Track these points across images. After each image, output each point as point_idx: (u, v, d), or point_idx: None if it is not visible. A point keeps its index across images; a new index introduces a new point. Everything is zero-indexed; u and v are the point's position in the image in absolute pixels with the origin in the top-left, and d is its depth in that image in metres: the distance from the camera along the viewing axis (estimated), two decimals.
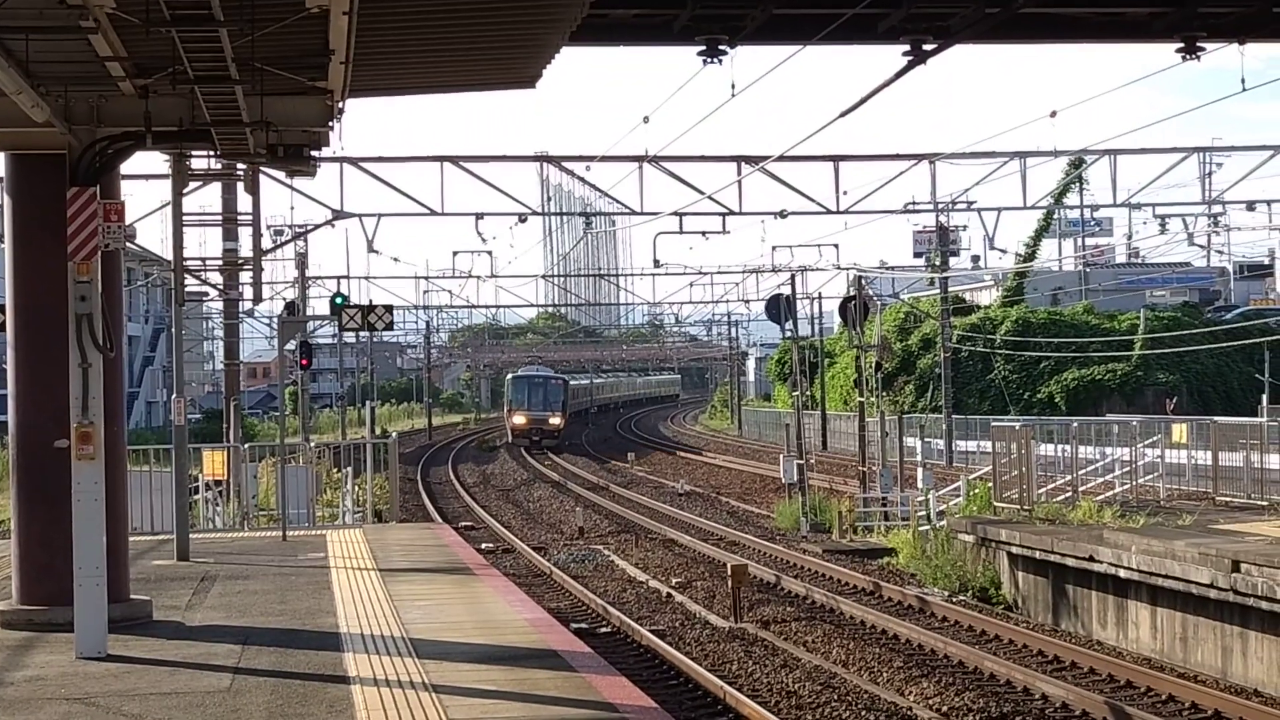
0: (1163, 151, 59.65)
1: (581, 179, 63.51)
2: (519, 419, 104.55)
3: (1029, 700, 21.20)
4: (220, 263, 45.13)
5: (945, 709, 20.59)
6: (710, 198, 53.10)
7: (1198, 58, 23.11)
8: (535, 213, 59.99)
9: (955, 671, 23.16)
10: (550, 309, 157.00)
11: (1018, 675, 22.23)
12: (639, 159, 52.94)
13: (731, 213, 55.56)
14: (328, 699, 14.85)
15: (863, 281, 57.85)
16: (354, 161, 52.19)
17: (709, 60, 21.91)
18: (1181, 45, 22.92)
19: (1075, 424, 46.82)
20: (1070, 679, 22.56)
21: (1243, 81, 29.09)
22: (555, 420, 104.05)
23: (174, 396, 29.38)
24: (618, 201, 61.29)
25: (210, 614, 20.91)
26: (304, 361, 45.85)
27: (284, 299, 74.68)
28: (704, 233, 58.95)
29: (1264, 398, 74.45)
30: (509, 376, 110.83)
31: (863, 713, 20.15)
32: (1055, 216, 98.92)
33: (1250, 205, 67.22)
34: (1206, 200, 66.02)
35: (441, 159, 53.22)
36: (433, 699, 14.71)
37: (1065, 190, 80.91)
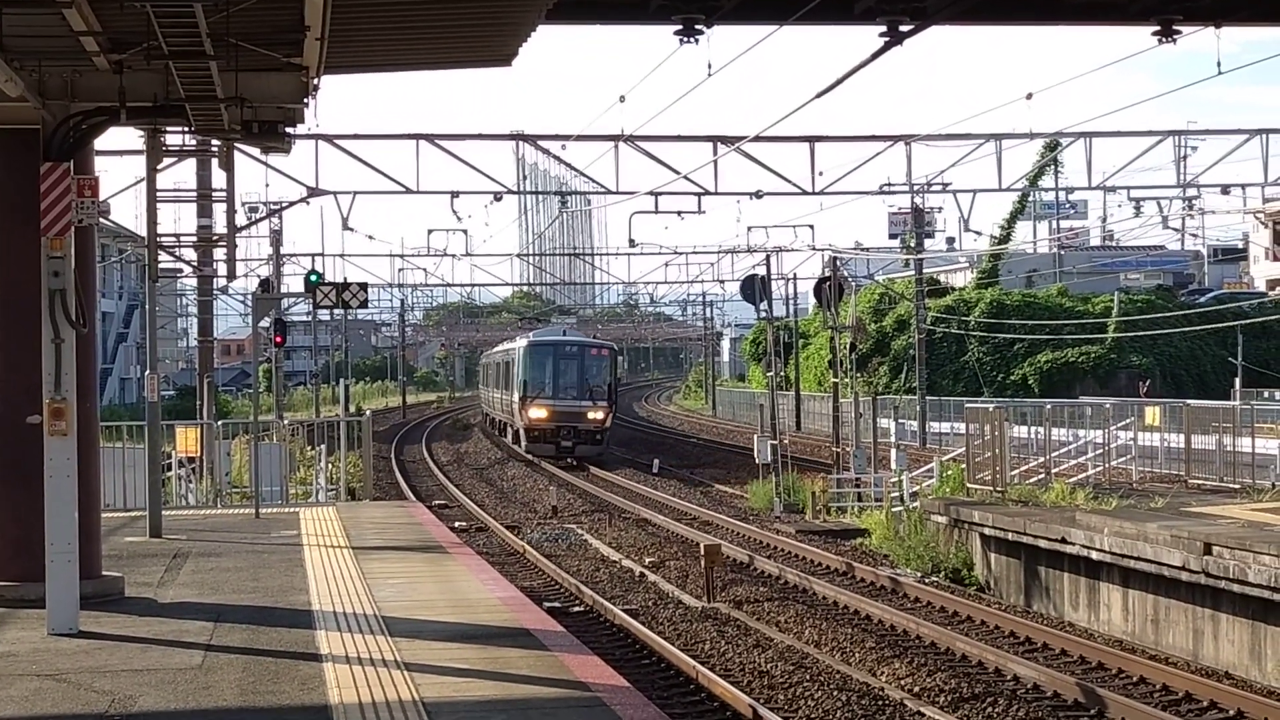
0: (1138, 135, 59.75)
1: (557, 158, 63.62)
2: (538, 411, 66.70)
3: (1001, 681, 21.24)
4: (194, 239, 44.98)
5: (917, 689, 20.62)
6: (686, 177, 53.12)
7: (1174, 40, 23.11)
8: (511, 191, 60.08)
9: (927, 652, 23.20)
10: (525, 288, 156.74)
11: (989, 656, 22.27)
12: (615, 138, 52.89)
13: (707, 193, 55.58)
14: (300, 676, 14.83)
15: (838, 262, 57.89)
16: (329, 139, 52.09)
17: (685, 40, 21.86)
18: (1158, 28, 22.90)
19: (1048, 406, 46.89)
20: (1042, 660, 22.60)
21: (1219, 65, 29.13)
22: (598, 414, 66.89)
23: (147, 373, 29.31)
24: (593, 181, 61.27)
25: (182, 591, 20.88)
26: (278, 339, 45.74)
27: (258, 276, 74.69)
28: (679, 212, 58.96)
29: (1237, 381, 74.78)
30: (522, 345, 70.52)
31: (835, 693, 20.17)
32: (1030, 199, 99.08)
33: (1224, 189, 67.41)
34: (1181, 184, 66.16)
35: (417, 137, 53.16)
36: (404, 677, 14.70)
37: (1040, 173, 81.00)
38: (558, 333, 75.23)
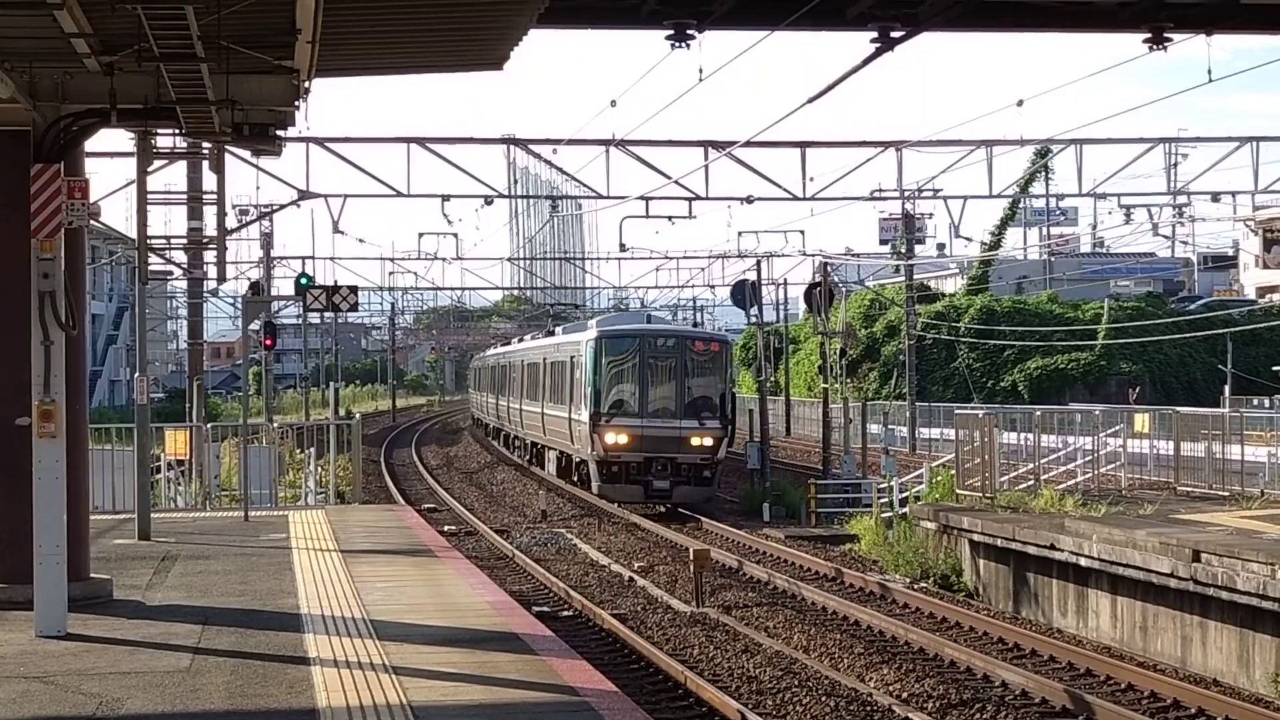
0: (1128, 142, 59.81)
1: (548, 162, 63.43)
2: (616, 436, 46.51)
3: (989, 687, 21.25)
4: (185, 242, 44.94)
5: (905, 695, 20.62)
6: (677, 182, 53.09)
7: (1165, 48, 23.14)
8: (502, 195, 59.96)
9: (916, 658, 23.20)
10: (516, 291, 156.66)
11: (978, 662, 22.28)
12: (606, 143, 52.90)
13: (698, 198, 55.53)
14: (288, 680, 14.82)
15: (828, 268, 57.91)
16: (320, 142, 52.06)
17: (677, 44, 21.88)
18: (1149, 35, 22.94)
19: (1038, 412, 46.93)
20: (1030, 667, 22.61)
21: (1209, 73, 29.15)
22: (706, 440, 46.40)
23: (137, 375, 29.28)
24: (584, 185, 61.31)
25: (171, 594, 20.86)
26: (268, 342, 45.54)
27: (249, 279, 74.55)
28: (670, 217, 58.88)
29: (1226, 388, 74.82)
30: (588, 337, 48.90)
31: (823, 698, 20.17)
32: (1021, 205, 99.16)
33: (1215, 196, 67.40)
34: (1171, 191, 66.14)
35: (408, 140, 53.12)
36: (393, 680, 14.70)
37: (1031, 179, 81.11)
38: (638, 319, 54.64)
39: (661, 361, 46.21)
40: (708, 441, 45.33)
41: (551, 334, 63.24)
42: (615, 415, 45.64)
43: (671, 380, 45.95)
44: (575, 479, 51.38)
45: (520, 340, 76.01)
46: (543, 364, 57.52)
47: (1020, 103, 44.01)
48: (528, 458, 63.80)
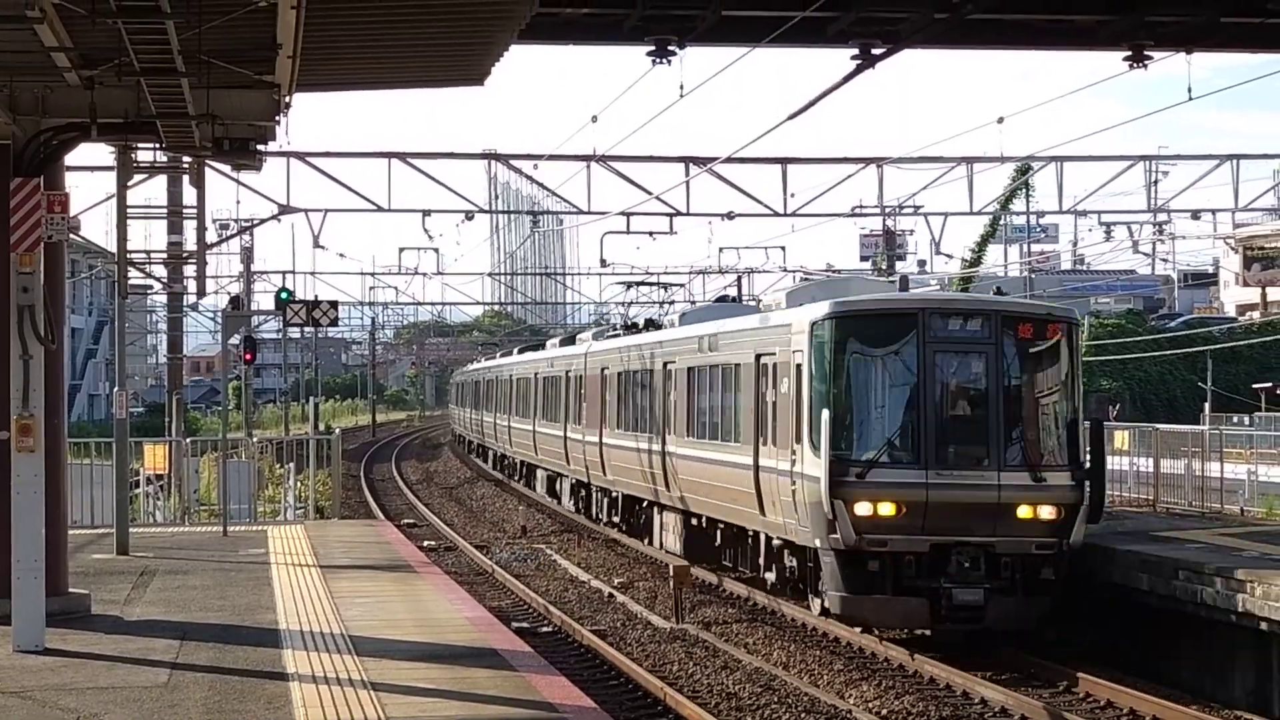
0: (1109, 159, 59.95)
1: (529, 177, 63.51)
2: (877, 504, 24.42)
3: (968, 704, 21.24)
4: (165, 256, 44.90)
5: (885, 712, 20.61)
6: (658, 198, 53.11)
7: (1145, 66, 23.22)
8: (483, 210, 60.02)
9: (895, 675, 23.19)
10: (496, 307, 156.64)
11: (957, 679, 22.27)
12: (587, 158, 52.90)
13: (679, 213, 55.52)
14: (266, 695, 14.79)
15: (809, 281, 57.91)
16: (301, 156, 52.00)
17: (658, 60, 21.95)
18: (1129, 53, 23.04)
19: None
20: (1009, 684, 22.61)
21: (1189, 90, 29.23)
22: (1047, 508, 24.57)
23: (116, 390, 29.25)
24: (565, 200, 61.26)
25: (149, 609, 20.82)
26: (248, 356, 45.61)
27: (229, 293, 74.41)
28: (651, 233, 58.89)
29: (1206, 406, 74.94)
30: (809, 318, 25.76)
31: (802, 715, 20.16)
32: (1001, 222, 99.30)
33: (1195, 214, 67.54)
34: (1152, 208, 66.34)
35: (389, 155, 53.09)
36: (371, 697, 14.67)
37: (1012, 196, 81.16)
38: (889, 290, 35.18)
39: (959, 360, 25.52)
40: (1048, 511, 24.56)
41: (570, 341, 54.01)
42: (873, 466, 24.57)
43: (979, 396, 25.30)
44: (670, 543, 35.71)
45: (516, 352, 69.80)
46: (601, 376, 42.34)
47: (1001, 120, 44.14)
48: (579, 508, 47.70)
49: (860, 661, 24.29)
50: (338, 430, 46.13)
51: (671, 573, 29.09)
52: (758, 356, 28.49)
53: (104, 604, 20.86)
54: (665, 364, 35.69)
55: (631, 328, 44.57)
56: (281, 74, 17.67)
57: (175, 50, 15.24)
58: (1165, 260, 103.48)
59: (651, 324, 42.61)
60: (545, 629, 27.33)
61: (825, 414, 24.42)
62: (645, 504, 38.40)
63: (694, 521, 33.59)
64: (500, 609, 28.44)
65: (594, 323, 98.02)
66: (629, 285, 56.25)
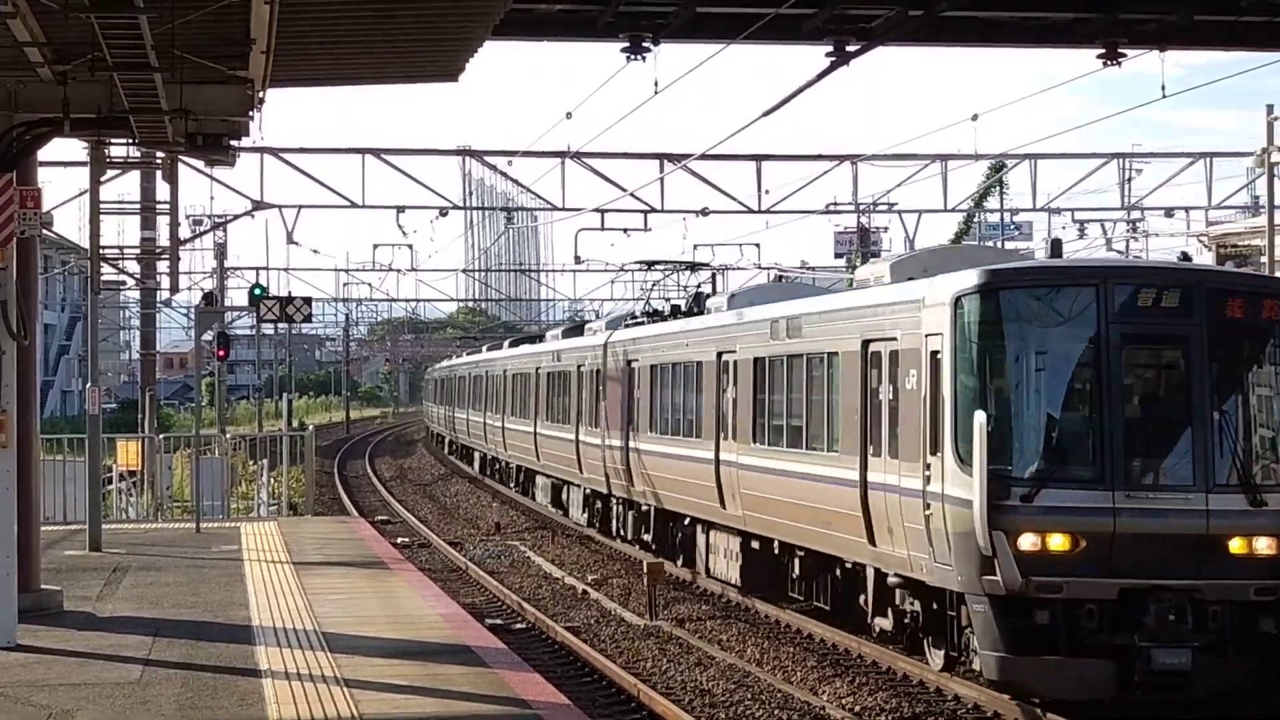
0: (1083, 157, 60.24)
1: (504, 174, 63.55)
2: (1046, 536, 18.79)
3: (941, 701, 21.25)
4: (138, 252, 44.77)
5: (858, 709, 20.62)
6: (632, 195, 53.16)
7: (1119, 64, 23.27)
8: (457, 206, 59.97)
9: (869, 672, 23.19)
10: (471, 304, 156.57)
11: (930, 676, 22.28)
12: (561, 155, 52.89)
13: (653, 210, 55.58)
14: (238, 692, 14.77)
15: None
16: (274, 152, 51.91)
17: (632, 57, 21.96)
18: (1103, 51, 23.08)
19: None
20: (983, 680, 22.64)
21: (1163, 88, 29.26)
22: (1266, 540, 18.98)
23: (89, 386, 29.19)
24: (540, 197, 61.25)
25: (121, 605, 20.78)
26: (221, 352, 45.49)
27: (202, 289, 74.31)
28: (625, 229, 58.88)
29: None
30: (956, 294, 19.56)
31: (776, 711, 20.16)
32: (975, 220, 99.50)
33: (1169, 212, 67.75)
34: (1125, 206, 66.47)
35: (363, 151, 53.03)
36: (344, 693, 14.65)
37: (986, 194, 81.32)
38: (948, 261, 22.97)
39: (1154, 345, 20.04)
40: (1268, 544, 19.17)
41: (574, 331, 49.09)
42: (1045, 484, 19.07)
43: (1179, 393, 19.91)
44: (735, 573, 29.13)
45: (508, 345, 64.38)
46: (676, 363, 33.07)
47: (975, 117, 44.18)
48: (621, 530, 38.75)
49: (834, 659, 24.29)
50: (311, 427, 46.10)
51: (645, 570, 29.07)
52: (866, 343, 22.19)
53: (76, 600, 20.82)
54: (720, 354, 29.52)
55: (655, 315, 39.28)
56: (255, 69, 17.64)
57: (148, 45, 15.20)
58: (1139, 258, 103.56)
59: (681, 310, 37.44)
60: (519, 626, 27.31)
61: (979, 417, 18.61)
62: (687, 521, 32.20)
63: (755, 545, 27.79)
64: (474, 606, 28.41)
65: (569, 318, 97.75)
66: (649, 265, 46.59)
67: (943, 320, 19.68)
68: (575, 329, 50.04)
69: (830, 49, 21.62)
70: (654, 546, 35.12)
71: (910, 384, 20.63)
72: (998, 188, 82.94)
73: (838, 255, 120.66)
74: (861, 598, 23.19)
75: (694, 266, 47.31)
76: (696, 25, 22.09)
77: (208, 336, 44.35)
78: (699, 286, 43.23)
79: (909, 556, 20.63)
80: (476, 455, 68.66)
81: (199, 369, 39.39)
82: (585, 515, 42.35)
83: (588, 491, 41.73)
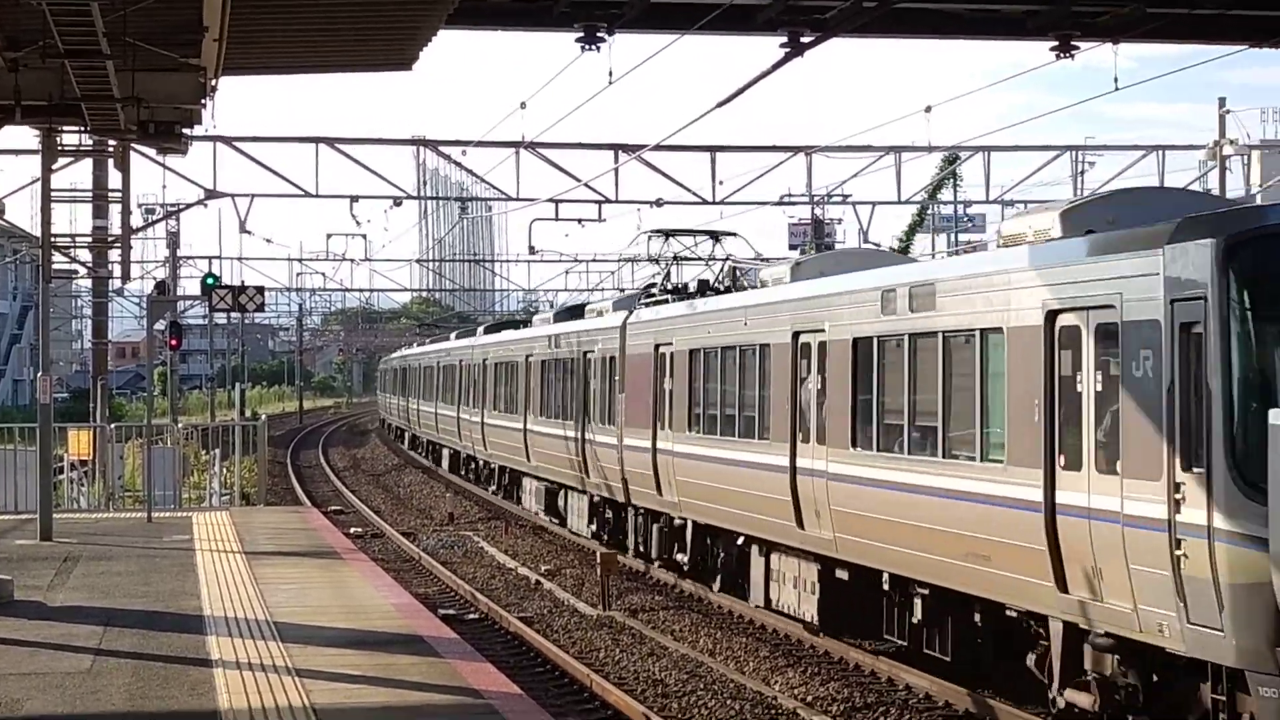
0: (1036, 149, 60.16)
1: (458, 163, 63.30)
2: None
3: (893, 691, 21.31)
4: (90, 240, 44.58)
5: (810, 699, 20.66)
6: (587, 185, 53.03)
7: (1072, 56, 23.34)
8: (411, 196, 59.74)
9: (820, 662, 23.24)
10: (425, 294, 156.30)
11: (882, 666, 22.34)
12: (516, 145, 52.76)
13: (608, 200, 55.47)
14: (189, 681, 14.72)
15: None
16: (227, 140, 51.68)
17: (587, 47, 21.92)
18: (1056, 44, 23.15)
19: None
20: (935, 671, 22.71)
21: (1115, 81, 29.33)
22: None
23: (40, 375, 29.03)
24: (494, 187, 61.08)
25: (72, 595, 20.70)
26: (173, 342, 45.30)
27: (155, 278, 74.04)
28: (580, 220, 58.83)
29: None
30: (1256, 248, 14.37)
31: (728, 701, 20.19)
32: (929, 212, 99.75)
33: None
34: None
35: (316, 140, 52.81)
36: (295, 683, 14.62)
37: (939, 186, 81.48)
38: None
39: None
40: None
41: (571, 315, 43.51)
42: None
43: None
44: None
45: (483, 331, 58.93)
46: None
47: (928, 109, 44.23)
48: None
49: (786, 649, 24.33)
50: (263, 416, 45.96)
51: (599, 560, 29.08)
52: (1052, 316, 16.83)
53: (27, 590, 20.72)
54: (798, 335, 23.78)
55: (678, 292, 34.74)
56: (207, 57, 17.59)
57: (100, 32, 15.15)
58: None
59: (713, 285, 33.73)
60: (472, 616, 27.29)
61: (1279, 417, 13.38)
62: (740, 541, 26.63)
63: (843, 575, 22.64)
64: (427, 596, 28.38)
65: (523, 310, 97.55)
66: (667, 235, 39.76)
67: (1204, 278, 14.42)
68: (570, 312, 45.05)
69: (784, 40, 21.63)
70: (686, 567, 29.74)
71: (1141, 369, 15.28)
72: (951, 180, 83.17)
73: (792, 246, 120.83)
74: (1031, 657, 18.07)
75: (718, 235, 40.37)
76: (651, 15, 22.08)
77: (160, 326, 44.16)
78: (728, 259, 37.90)
79: (1135, 611, 15.30)
80: (446, 453, 63.94)
81: (151, 358, 39.25)
82: (591, 526, 36.60)
83: (596, 499, 35.86)
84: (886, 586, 21.10)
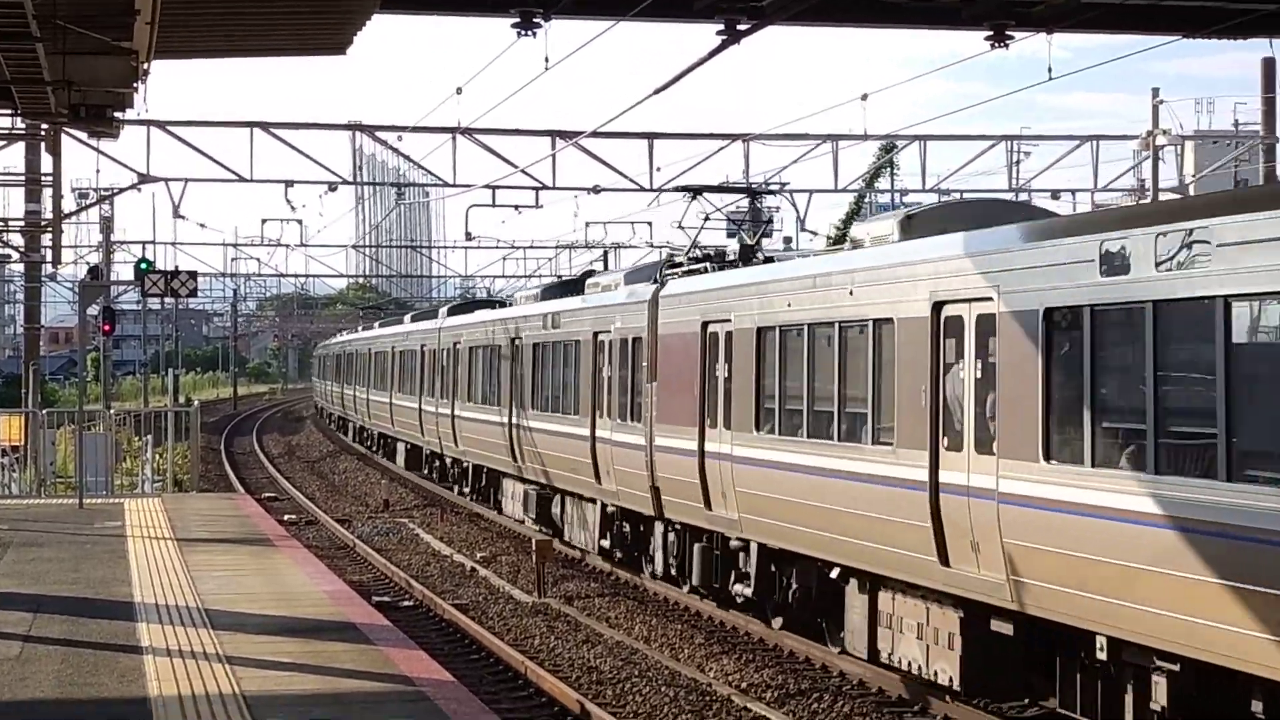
0: (971, 139, 60.44)
1: (394, 149, 63.10)
2: None
3: (827, 677, 21.36)
4: (22, 224, 44.31)
5: (744, 685, 20.69)
6: (524, 171, 52.94)
7: (1006, 46, 23.39)
8: (346, 182, 59.46)
9: (755, 649, 23.28)
10: (361, 280, 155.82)
11: (816, 653, 22.39)
12: (452, 130, 52.61)
13: (545, 187, 55.38)
14: (119, 669, 14.63)
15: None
16: (161, 124, 51.32)
17: (523, 32, 21.83)
18: (991, 34, 23.20)
19: None
20: (867, 658, 22.75)
21: (1049, 70, 29.41)
22: None
23: None
24: (430, 173, 60.93)
25: (2, 581, 20.59)
26: (106, 327, 45.16)
27: (88, 263, 73.59)
28: (517, 206, 58.74)
29: None
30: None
31: (663, 688, 20.20)
32: (866, 200, 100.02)
33: (1055, 194, 68.16)
34: (1013, 188, 66.87)
35: (251, 125, 52.51)
36: (226, 670, 14.55)
37: (876, 174, 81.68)
38: None
39: None
40: None
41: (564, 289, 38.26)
42: None
43: None
44: None
45: (446, 313, 52.62)
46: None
47: (865, 97, 44.33)
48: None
49: (721, 636, 24.36)
50: (197, 402, 45.77)
51: (534, 547, 29.04)
52: None
53: None
54: (939, 307, 17.83)
55: (715, 258, 28.75)
56: (139, 40, 17.46)
57: (30, 14, 15.03)
58: None
59: (756, 251, 28.15)
60: (406, 603, 27.23)
61: None
62: (834, 574, 20.95)
63: (997, 627, 17.03)
64: (361, 583, 28.30)
65: (460, 295, 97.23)
66: (695, 192, 34.54)
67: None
68: (564, 287, 38.94)
69: (721, 27, 21.61)
70: (754, 598, 23.74)
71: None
72: (888, 168, 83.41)
73: (729, 235, 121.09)
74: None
75: (756, 193, 32.86)
76: (588, 1, 22.04)
77: (93, 311, 43.94)
78: (769, 222, 30.22)
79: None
80: (401, 447, 58.51)
81: (84, 344, 39.00)
82: (603, 540, 30.73)
83: (612, 509, 30.09)
84: (1069, 649, 15.94)
